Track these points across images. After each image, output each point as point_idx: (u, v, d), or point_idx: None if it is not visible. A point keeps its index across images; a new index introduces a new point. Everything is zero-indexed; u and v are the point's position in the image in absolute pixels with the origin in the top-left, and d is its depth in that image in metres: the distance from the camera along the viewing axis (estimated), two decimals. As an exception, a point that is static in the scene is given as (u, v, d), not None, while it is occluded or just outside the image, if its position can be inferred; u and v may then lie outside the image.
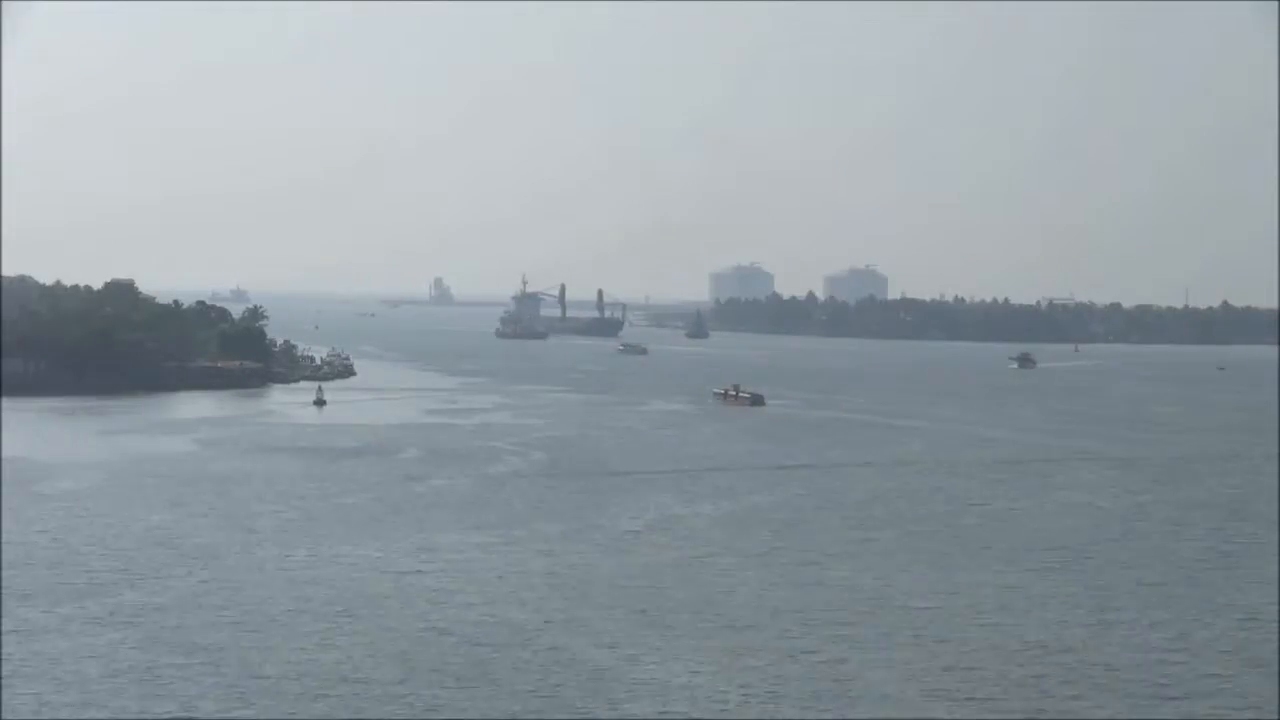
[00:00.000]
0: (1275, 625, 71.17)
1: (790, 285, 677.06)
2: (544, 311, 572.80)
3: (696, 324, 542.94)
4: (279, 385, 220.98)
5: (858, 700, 57.58)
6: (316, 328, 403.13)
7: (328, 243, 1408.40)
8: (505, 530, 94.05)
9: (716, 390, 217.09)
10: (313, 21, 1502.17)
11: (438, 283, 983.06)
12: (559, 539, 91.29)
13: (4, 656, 61.41)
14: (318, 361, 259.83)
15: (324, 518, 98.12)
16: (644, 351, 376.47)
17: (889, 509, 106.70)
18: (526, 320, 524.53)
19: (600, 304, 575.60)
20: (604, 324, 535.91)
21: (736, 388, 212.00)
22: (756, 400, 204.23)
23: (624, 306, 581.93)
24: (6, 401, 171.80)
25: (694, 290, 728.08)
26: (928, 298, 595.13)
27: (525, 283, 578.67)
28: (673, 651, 63.94)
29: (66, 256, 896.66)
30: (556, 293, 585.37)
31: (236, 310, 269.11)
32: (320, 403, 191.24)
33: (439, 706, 56.34)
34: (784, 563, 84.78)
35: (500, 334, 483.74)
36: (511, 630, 67.38)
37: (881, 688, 59.07)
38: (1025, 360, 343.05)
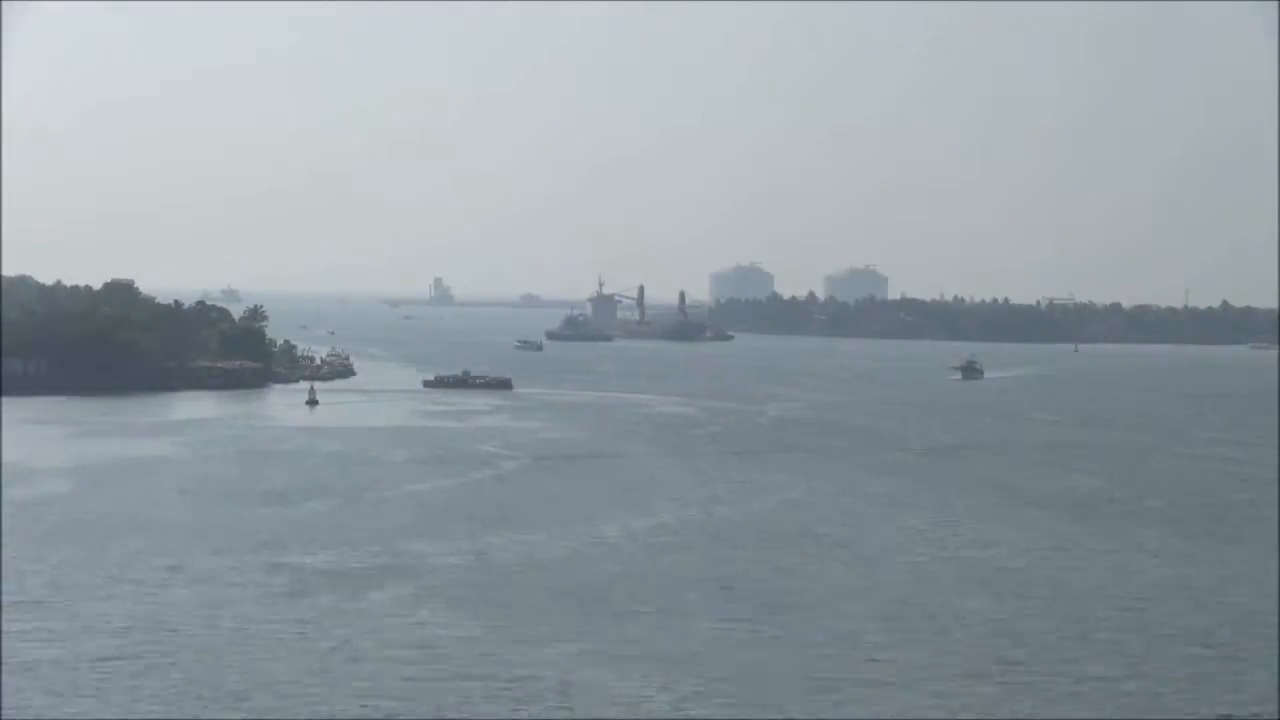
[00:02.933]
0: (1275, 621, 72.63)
1: (790, 285, 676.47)
2: (620, 314, 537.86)
3: (714, 326, 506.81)
4: (279, 385, 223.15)
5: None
6: (333, 332, 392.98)
7: (327, 243, 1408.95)
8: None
9: (450, 374, 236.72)
10: (313, 23, 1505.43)
11: (438, 283, 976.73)
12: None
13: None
14: (318, 361, 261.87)
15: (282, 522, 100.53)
16: (540, 348, 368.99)
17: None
18: (596, 323, 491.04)
19: (682, 305, 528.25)
20: (685, 328, 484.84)
21: (467, 372, 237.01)
22: (502, 384, 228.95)
23: (707, 308, 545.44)
24: (6, 401, 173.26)
25: (694, 290, 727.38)
26: (928, 298, 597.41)
27: (601, 283, 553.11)
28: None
29: (66, 256, 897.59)
30: (635, 294, 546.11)
31: (233, 310, 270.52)
32: (312, 403, 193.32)
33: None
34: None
35: (551, 337, 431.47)
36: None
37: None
38: (970, 370, 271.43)
